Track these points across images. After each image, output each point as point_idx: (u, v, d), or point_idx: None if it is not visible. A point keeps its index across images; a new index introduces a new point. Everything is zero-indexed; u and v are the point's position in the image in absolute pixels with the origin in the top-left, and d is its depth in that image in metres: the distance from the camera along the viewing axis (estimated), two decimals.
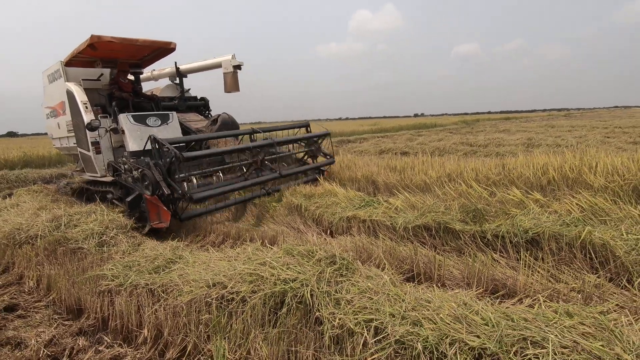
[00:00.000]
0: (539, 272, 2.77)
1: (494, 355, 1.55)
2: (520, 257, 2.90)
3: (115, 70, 6.16)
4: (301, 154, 6.40)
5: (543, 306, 1.89)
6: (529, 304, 2.11)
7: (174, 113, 5.94)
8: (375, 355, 1.70)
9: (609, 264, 2.73)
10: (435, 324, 1.74)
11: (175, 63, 7.22)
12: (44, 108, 6.84)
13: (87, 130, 5.24)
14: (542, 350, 1.49)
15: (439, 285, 2.67)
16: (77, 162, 6.85)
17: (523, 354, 1.51)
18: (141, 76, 6.99)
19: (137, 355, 2.20)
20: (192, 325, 2.16)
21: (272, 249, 2.64)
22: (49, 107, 6.63)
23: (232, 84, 6.64)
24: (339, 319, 1.89)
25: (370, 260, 3.05)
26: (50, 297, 2.96)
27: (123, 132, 5.29)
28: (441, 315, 1.78)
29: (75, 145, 5.89)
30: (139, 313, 2.41)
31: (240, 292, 2.19)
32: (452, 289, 2.45)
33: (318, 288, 2.11)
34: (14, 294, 3.09)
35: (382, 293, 2.08)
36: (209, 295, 2.25)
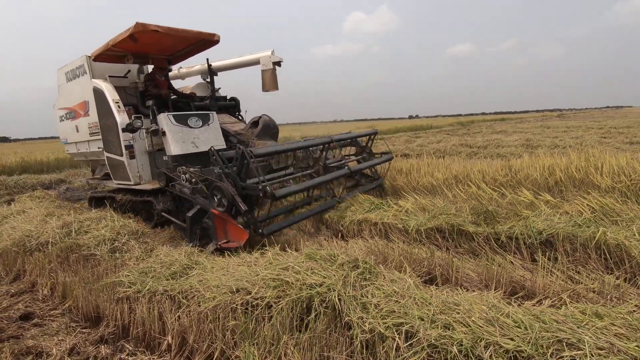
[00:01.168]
0: (555, 273, 2.80)
1: (530, 358, 1.56)
2: (539, 258, 2.92)
3: (142, 66, 5.67)
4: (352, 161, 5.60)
5: (570, 307, 1.91)
6: (549, 304, 2.13)
7: (214, 114, 5.39)
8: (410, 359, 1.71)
9: (624, 265, 2.76)
10: (467, 327, 1.75)
11: (207, 60, 6.55)
12: (57, 110, 6.23)
13: (120, 133, 4.74)
14: (579, 352, 1.51)
15: (459, 287, 2.69)
16: (97, 169, 6.32)
17: (559, 356, 1.53)
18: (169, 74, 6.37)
19: None
20: (217, 332, 2.15)
21: (292, 253, 2.64)
22: (65, 109, 6.03)
23: (271, 82, 6.17)
24: (369, 324, 1.90)
25: (386, 264, 3.07)
26: (66, 305, 2.93)
27: (163, 133, 4.75)
28: (472, 318, 1.80)
29: (101, 149, 5.33)
30: (161, 320, 2.40)
31: (265, 297, 2.19)
32: (473, 291, 2.47)
33: (345, 292, 2.11)
34: (29, 302, 3.06)
35: (408, 297, 2.09)
36: (233, 301, 2.24)
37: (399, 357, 1.73)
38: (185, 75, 7.63)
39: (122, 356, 2.29)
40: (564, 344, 1.57)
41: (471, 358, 1.61)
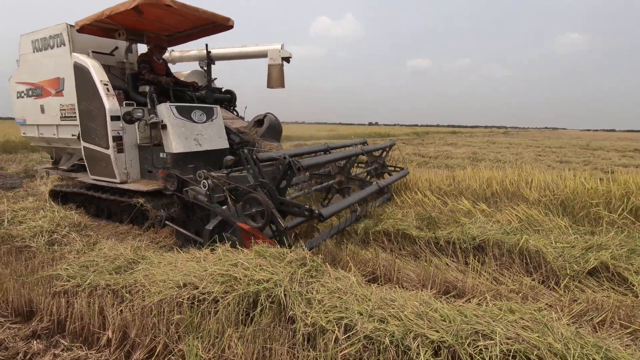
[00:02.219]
0: (483, 275, 3.10)
1: (451, 347, 1.76)
2: (470, 261, 3.22)
3: (131, 44, 4.89)
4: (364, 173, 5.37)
5: (490, 304, 2.15)
6: (476, 302, 2.38)
7: (218, 108, 4.87)
8: (346, 350, 1.84)
9: (541, 268, 3.13)
10: (400, 320, 1.92)
11: (207, 45, 5.76)
12: (15, 83, 5.31)
13: (108, 121, 4.10)
14: (491, 342, 1.72)
15: (398, 286, 2.89)
16: (63, 158, 5.40)
17: (475, 345, 1.73)
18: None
19: (101, 358, 2.14)
20: (161, 326, 2.15)
21: (243, 250, 2.69)
22: (27, 84, 5.11)
23: (277, 78, 5.75)
24: (311, 318, 2.01)
25: (334, 263, 3.21)
26: None
27: (164, 127, 4.14)
28: (405, 312, 1.97)
29: (75, 137, 4.62)
30: (102, 314, 2.34)
31: (213, 292, 2.23)
32: (412, 290, 2.68)
33: (291, 288, 2.21)
34: None
35: (350, 293, 2.23)
36: (179, 295, 2.25)
37: (337, 348, 1.86)
38: (178, 59, 6.77)
39: (56, 352, 2.20)
40: (480, 334, 1.78)
41: (401, 347, 1.78)
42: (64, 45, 4.49)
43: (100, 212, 4.77)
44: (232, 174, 3.40)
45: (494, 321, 1.89)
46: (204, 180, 3.28)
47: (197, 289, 2.28)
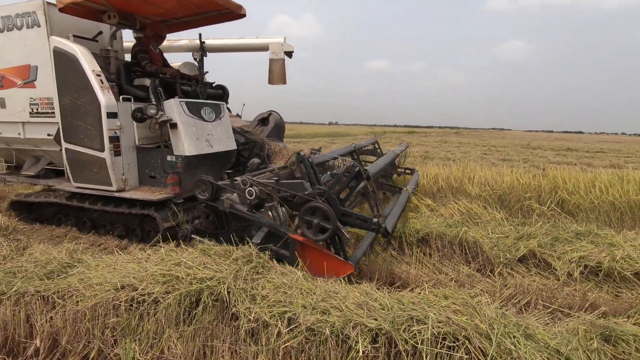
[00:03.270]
0: (427, 265, 3.27)
1: (388, 333, 1.84)
2: (415, 253, 3.37)
3: (117, 30, 4.29)
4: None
5: (428, 292, 2.27)
6: (418, 291, 2.50)
7: (225, 105, 4.47)
8: (289, 343, 1.86)
9: (478, 257, 3.35)
10: (341, 311, 1.98)
11: (200, 35, 5.21)
12: None
13: (104, 119, 3.51)
14: (424, 326, 1.83)
15: (343, 279, 2.96)
16: (27, 162, 4.49)
17: (410, 330, 1.83)
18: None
19: None
20: (96, 330, 2.04)
21: (187, 249, 2.62)
22: None
23: (280, 74, 5.38)
24: (255, 313, 2.01)
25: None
26: None
27: (173, 126, 3.66)
28: (347, 303, 2.03)
29: (51, 137, 3.94)
30: (29, 322, 2.18)
31: (153, 293, 2.15)
32: (358, 282, 2.76)
33: (235, 285, 2.19)
34: None
35: (296, 287, 2.25)
36: (117, 298, 2.15)
37: (279, 341, 1.87)
38: (167, 49, 6.08)
39: None
40: (415, 320, 1.88)
41: (340, 337, 1.83)
42: (38, 26, 3.75)
43: (82, 226, 4.12)
44: (285, 180, 3.04)
45: (428, 307, 2.00)
46: (249, 188, 2.88)
47: (137, 290, 2.19)
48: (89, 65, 3.56)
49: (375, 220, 2.73)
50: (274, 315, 2.00)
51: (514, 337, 1.84)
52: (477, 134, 53.52)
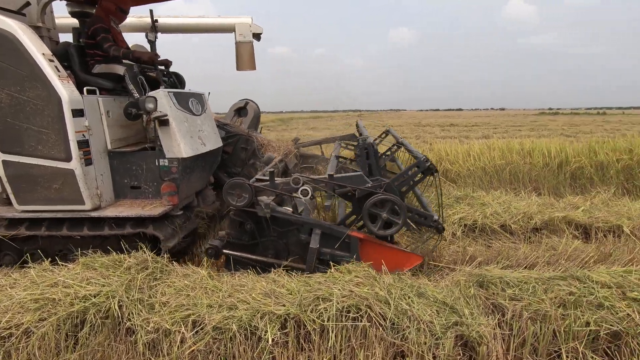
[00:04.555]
0: None
1: (296, 316, 1.86)
2: None
3: (49, 3, 3.29)
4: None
5: (333, 270, 2.37)
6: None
7: (204, 95, 3.82)
8: (194, 347, 1.76)
9: None
10: (248, 303, 1.94)
11: (151, 12, 4.19)
12: None
13: (68, 118, 2.72)
14: (329, 303, 1.90)
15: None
16: None
17: (317, 310, 1.88)
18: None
19: None
20: None
21: (66, 266, 2.27)
22: None
23: (249, 59, 4.74)
24: (154, 323, 1.85)
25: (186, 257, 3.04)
26: None
27: (164, 122, 2.99)
28: (254, 295, 2.00)
29: None
30: None
31: (22, 324, 1.82)
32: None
33: (128, 297, 1.98)
34: None
35: (200, 288, 2.14)
36: None
37: (183, 347, 1.76)
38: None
39: None
40: (321, 299, 1.94)
41: (248, 329, 1.80)
42: None
43: (28, 257, 2.86)
44: (341, 175, 2.77)
45: (334, 284, 2.08)
46: (304, 187, 2.61)
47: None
48: (37, 48, 2.69)
49: (435, 217, 2.72)
50: (177, 321, 1.87)
51: (409, 297, 2.03)
52: (376, 115, 57.36)
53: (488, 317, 1.97)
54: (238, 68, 5.06)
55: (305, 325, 1.84)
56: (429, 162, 2.78)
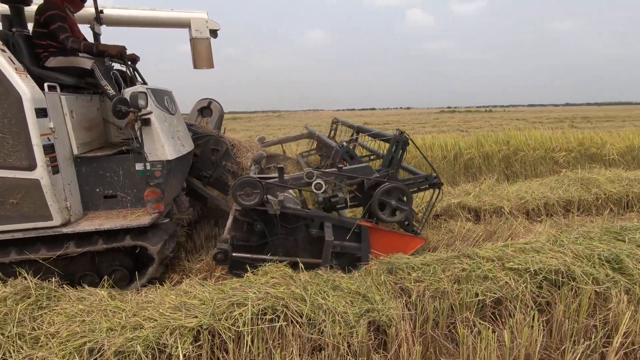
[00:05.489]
0: None
1: (210, 327, 1.78)
2: None
3: None
4: None
5: (250, 273, 2.32)
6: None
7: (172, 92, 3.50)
8: None
9: None
10: (156, 320, 1.79)
11: (96, 2, 3.69)
12: None
13: (30, 118, 2.28)
14: (245, 308, 1.86)
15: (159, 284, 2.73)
16: None
17: (231, 317, 1.83)
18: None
19: None
20: None
21: None
22: None
23: (207, 56, 4.44)
24: (39, 359, 1.60)
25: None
26: None
27: (146, 122, 2.67)
28: (162, 310, 1.86)
29: None
30: None
31: None
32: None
33: (3, 334, 1.68)
34: None
35: (98, 311, 1.92)
36: None
37: None
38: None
39: None
40: (235, 305, 1.88)
41: (156, 348, 1.67)
42: None
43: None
44: (350, 166, 2.93)
45: (249, 288, 2.04)
46: (317, 181, 2.63)
47: None
48: None
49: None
50: (70, 352, 1.65)
51: (324, 291, 2.09)
52: (295, 115, 57.95)
53: (396, 300, 2.12)
54: (195, 66, 4.73)
55: (220, 335, 1.77)
56: (437, 178, 3.03)
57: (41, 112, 2.38)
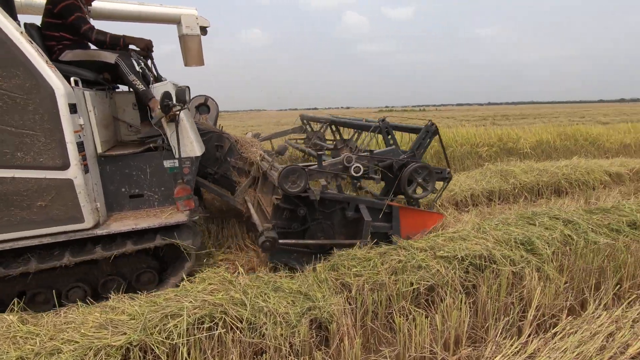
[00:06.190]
0: None
1: (141, 342, 1.66)
2: None
3: None
4: None
5: (186, 281, 2.21)
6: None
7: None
8: None
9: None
10: (77, 342, 1.63)
11: None
12: None
13: (64, 114, 2.07)
14: (180, 319, 1.76)
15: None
16: None
17: (165, 329, 1.72)
18: None
19: None
20: None
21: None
22: None
23: (197, 53, 4.30)
24: None
25: None
26: None
27: (173, 119, 2.55)
28: (84, 330, 1.69)
29: None
30: None
31: None
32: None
33: None
34: None
35: (5, 338, 1.70)
36: None
37: None
38: (26, 9, 3.66)
39: None
40: (169, 316, 1.78)
41: None
42: None
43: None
44: (380, 150, 3.34)
45: (185, 297, 1.94)
46: (356, 164, 2.86)
47: None
48: (11, 24, 2.08)
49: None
50: None
51: (265, 294, 2.06)
52: (236, 115, 56.55)
53: (338, 296, 2.16)
54: (186, 64, 4.56)
55: (153, 350, 1.66)
56: (449, 173, 3.38)
57: (73, 109, 2.25)
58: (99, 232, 2.36)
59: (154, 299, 1.96)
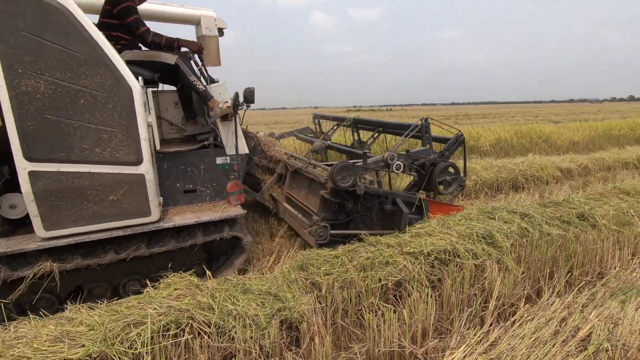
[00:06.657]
0: None
1: (101, 354, 1.58)
2: None
3: None
4: None
5: (149, 289, 2.12)
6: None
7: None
8: None
9: None
10: (29, 358, 1.52)
11: None
12: None
13: (139, 113, 2.24)
14: (144, 327, 1.69)
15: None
16: None
17: (128, 339, 1.64)
18: None
19: None
20: None
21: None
22: None
23: (216, 54, 4.16)
24: None
25: None
26: None
27: (225, 117, 2.80)
28: (37, 344, 1.58)
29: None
30: None
31: None
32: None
33: None
34: None
35: None
36: None
37: None
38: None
39: None
40: (132, 325, 1.70)
41: None
42: None
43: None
44: (415, 149, 3.53)
45: (149, 305, 1.86)
46: (397, 162, 3.11)
47: None
48: (90, 24, 2.07)
49: (464, 178, 3.52)
50: None
51: (234, 296, 2.02)
52: None
53: (307, 295, 2.16)
54: (204, 64, 4.49)
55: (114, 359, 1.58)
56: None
57: (145, 106, 2.39)
58: (164, 224, 2.47)
59: (115, 307, 1.87)
